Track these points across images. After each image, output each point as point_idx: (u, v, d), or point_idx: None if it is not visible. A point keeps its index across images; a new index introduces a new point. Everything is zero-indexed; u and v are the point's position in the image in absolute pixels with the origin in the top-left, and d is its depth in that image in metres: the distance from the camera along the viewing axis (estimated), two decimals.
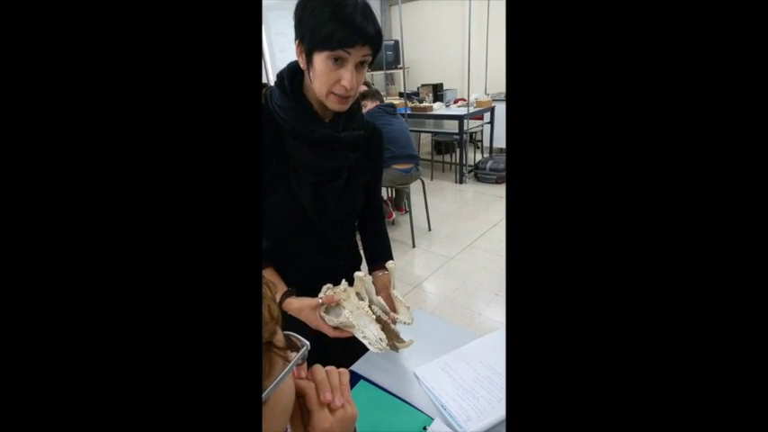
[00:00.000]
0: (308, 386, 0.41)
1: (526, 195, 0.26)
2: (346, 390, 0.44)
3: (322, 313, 0.71)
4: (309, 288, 0.74)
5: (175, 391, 0.23)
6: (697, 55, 0.22)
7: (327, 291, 0.72)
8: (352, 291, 0.73)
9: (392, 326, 0.74)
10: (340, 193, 0.76)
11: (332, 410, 0.41)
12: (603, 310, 0.25)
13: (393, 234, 2.99)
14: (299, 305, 0.71)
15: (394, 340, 0.77)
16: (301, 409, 0.41)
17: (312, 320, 0.71)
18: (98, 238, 0.23)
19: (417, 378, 0.78)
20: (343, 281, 0.74)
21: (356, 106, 0.75)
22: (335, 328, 0.70)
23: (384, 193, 3.38)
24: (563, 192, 0.25)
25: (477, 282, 2.33)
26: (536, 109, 0.26)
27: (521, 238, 0.26)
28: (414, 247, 2.78)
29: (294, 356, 0.36)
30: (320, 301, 0.70)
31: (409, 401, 0.73)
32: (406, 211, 3.10)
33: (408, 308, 0.76)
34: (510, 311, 0.28)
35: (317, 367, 0.44)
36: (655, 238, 0.24)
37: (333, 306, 0.71)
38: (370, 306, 0.72)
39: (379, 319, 0.71)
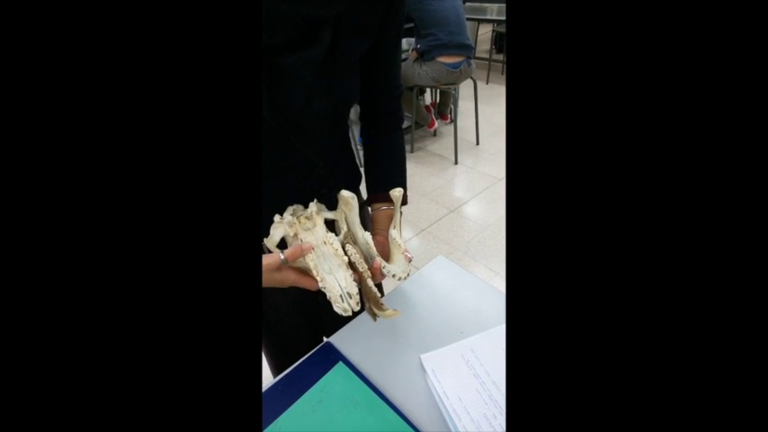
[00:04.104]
0: None
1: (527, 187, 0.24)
2: None
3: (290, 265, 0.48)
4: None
5: (171, 386, 0.23)
6: None
7: (288, 215, 0.49)
8: (320, 216, 0.48)
9: (369, 282, 0.46)
10: (314, 73, 0.43)
11: None
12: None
13: (433, 147, 2.62)
14: None
15: (371, 303, 0.50)
16: None
17: (283, 281, 0.46)
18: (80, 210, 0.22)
19: (423, 370, 0.49)
20: (313, 203, 0.50)
21: None
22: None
23: (428, 96, 2.89)
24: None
25: None
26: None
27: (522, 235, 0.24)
28: (456, 163, 2.47)
29: None
30: (281, 257, 0.44)
31: (403, 411, 0.46)
32: (452, 121, 2.68)
33: (410, 258, 0.50)
34: (510, 311, 0.25)
35: None
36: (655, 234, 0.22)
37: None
38: (344, 246, 0.46)
39: (353, 266, 0.46)
